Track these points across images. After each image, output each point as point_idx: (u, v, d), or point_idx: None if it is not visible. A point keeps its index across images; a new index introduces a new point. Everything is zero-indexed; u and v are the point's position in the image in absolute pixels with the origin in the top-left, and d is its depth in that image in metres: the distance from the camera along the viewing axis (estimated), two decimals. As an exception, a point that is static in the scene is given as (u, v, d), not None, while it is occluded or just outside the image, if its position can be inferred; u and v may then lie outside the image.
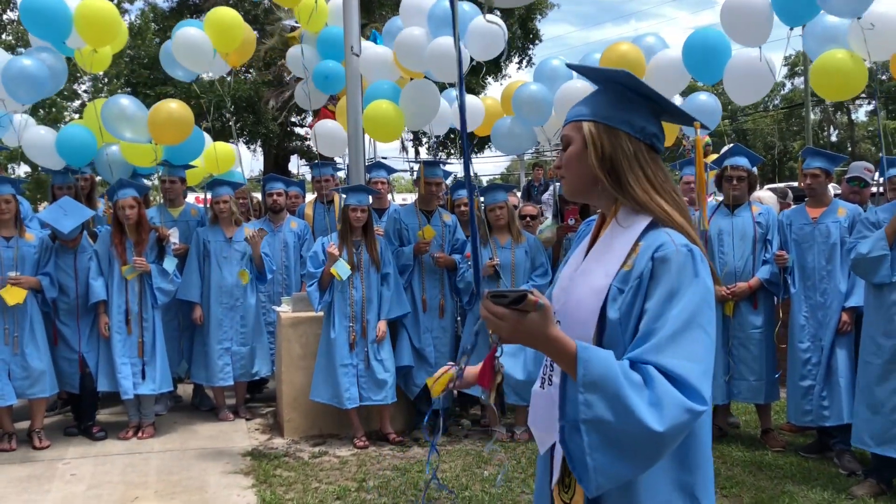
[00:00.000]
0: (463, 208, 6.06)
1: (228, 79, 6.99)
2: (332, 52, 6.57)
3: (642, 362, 1.47)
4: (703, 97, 5.95)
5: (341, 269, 5.37)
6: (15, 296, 5.27)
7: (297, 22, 8.09)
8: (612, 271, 1.59)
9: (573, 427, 1.47)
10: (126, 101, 6.04)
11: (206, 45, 6.08)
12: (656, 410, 1.41)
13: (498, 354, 1.58)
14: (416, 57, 5.68)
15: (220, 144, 7.01)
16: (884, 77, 34.05)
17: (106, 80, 19.25)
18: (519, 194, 10.71)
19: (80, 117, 7.41)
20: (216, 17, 6.19)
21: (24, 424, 5.63)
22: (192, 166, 6.71)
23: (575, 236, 2.03)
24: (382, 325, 5.52)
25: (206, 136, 6.72)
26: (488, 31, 5.38)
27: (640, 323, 1.53)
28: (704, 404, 1.44)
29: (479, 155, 16.54)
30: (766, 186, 11.83)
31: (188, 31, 6.09)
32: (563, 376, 1.55)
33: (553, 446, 1.68)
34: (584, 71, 1.86)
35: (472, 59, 5.62)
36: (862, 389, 4.45)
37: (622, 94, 1.68)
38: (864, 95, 32.60)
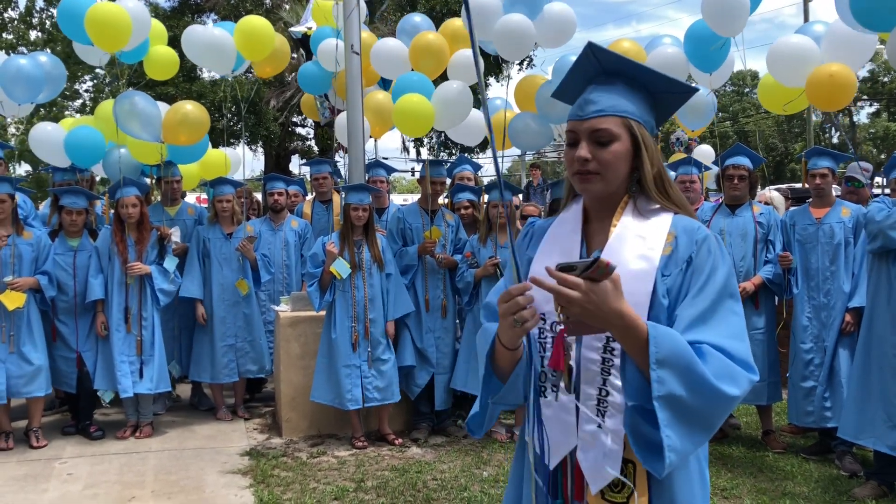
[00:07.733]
0: (463, 212, 6.00)
1: (230, 79, 6.92)
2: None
3: (695, 342, 1.50)
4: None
5: (340, 267, 5.33)
6: (14, 300, 5.25)
7: (305, 25, 8.03)
8: (653, 256, 1.60)
9: (639, 408, 1.48)
10: (139, 98, 5.89)
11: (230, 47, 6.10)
12: (725, 380, 1.46)
13: (567, 335, 1.52)
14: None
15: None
16: (886, 79, 33.99)
17: (108, 79, 19.21)
18: (521, 196, 10.64)
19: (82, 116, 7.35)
20: (247, 26, 6.25)
21: (22, 423, 5.61)
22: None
23: (526, 236, 1.89)
24: (391, 328, 5.50)
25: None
26: (517, 30, 5.38)
27: (683, 301, 1.57)
28: (756, 374, 1.52)
29: (479, 155, 16.48)
30: (771, 187, 11.82)
31: (214, 32, 6.13)
32: (623, 357, 1.54)
33: (564, 461, 1.65)
34: (669, 81, 1.69)
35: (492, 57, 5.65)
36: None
37: (648, 102, 1.69)
38: (865, 97, 32.55)
